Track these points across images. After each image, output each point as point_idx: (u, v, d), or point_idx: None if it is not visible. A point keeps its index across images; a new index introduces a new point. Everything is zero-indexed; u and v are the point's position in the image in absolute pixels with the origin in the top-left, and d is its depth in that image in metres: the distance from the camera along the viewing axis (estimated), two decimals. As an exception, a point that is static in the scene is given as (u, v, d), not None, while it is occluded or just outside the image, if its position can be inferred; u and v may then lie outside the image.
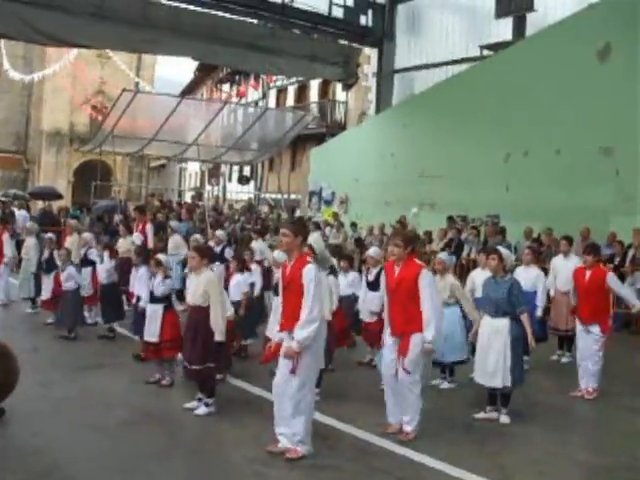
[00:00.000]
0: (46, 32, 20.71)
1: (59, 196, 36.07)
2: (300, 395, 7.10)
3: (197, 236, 14.82)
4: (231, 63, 29.15)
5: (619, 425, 8.98)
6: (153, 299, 9.85)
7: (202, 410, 8.47)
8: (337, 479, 6.79)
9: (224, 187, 45.73)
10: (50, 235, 14.98)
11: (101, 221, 23.15)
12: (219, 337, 8.36)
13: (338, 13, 29.03)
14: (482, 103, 22.55)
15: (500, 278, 8.77)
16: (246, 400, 9.08)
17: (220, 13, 25.00)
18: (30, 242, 15.57)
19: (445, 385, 10.23)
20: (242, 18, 25.85)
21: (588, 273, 10.18)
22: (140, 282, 11.15)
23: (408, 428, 7.85)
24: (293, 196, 37.21)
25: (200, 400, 8.55)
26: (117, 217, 24.08)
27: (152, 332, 9.64)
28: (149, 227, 16.18)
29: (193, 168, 56.62)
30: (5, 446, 7.26)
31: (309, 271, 7.08)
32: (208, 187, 47.37)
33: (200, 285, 8.52)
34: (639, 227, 15.88)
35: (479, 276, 10.28)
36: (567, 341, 12.43)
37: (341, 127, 36.38)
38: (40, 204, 32.41)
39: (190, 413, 8.51)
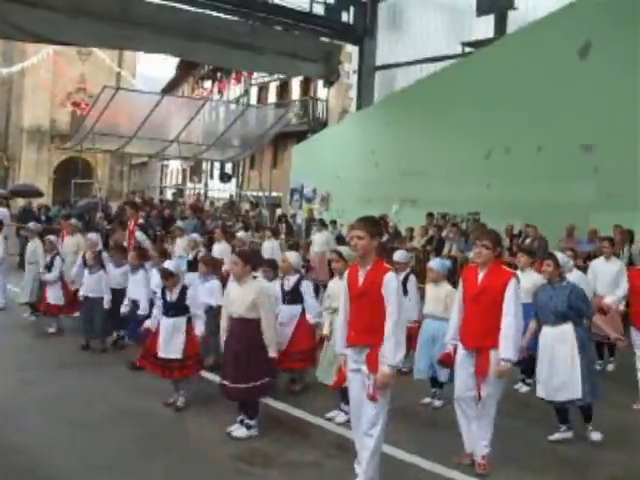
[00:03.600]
0: (25, 29, 20.61)
1: (40, 194, 35.95)
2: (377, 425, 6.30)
3: (195, 235, 14.30)
4: (212, 60, 29.20)
5: (602, 420, 8.95)
6: (170, 313, 8.75)
7: (242, 432, 7.72)
8: (319, 476, 6.79)
9: (206, 184, 45.67)
10: (51, 237, 13.94)
11: (82, 219, 23.06)
12: (273, 352, 7.70)
13: (319, 10, 29.08)
14: (463, 100, 22.63)
15: (557, 284, 8.12)
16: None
17: (201, 10, 24.96)
18: (35, 245, 14.21)
19: (437, 403, 9.37)
20: (223, 15, 25.84)
21: None
22: (138, 286, 10.70)
23: (481, 456, 7.06)
24: (275, 193, 37.21)
25: (242, 422, 7.81)
26: (98, 215, 24.05)
27: (174, 348, 8.62)
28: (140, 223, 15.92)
29: (175, 166, 56.61)
30: (-14, 445, 7.22)
31: (392, 279, 6.24)
32: (190, 184, 47.32)
33: (248, 296, 7.64)
34: (619, 224, 15.95)
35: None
36: (609, 347, 11.72)
37: (322, 124, 36.39)
38: (21, 202, 32.28)
39: (170, 410, 8.53)
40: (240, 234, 14.61)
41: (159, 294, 9.09)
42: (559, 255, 8.48)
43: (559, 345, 7.88)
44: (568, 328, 7.88)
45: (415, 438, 7.79)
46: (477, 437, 7.08)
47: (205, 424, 8.12)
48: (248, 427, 7.74)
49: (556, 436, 8.11)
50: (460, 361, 7.14)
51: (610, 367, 11.75)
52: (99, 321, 11.62)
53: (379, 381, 6.14)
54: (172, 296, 8.75)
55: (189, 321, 8.74)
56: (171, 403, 8.73)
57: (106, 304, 11.58)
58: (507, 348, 6.74)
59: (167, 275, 8.80)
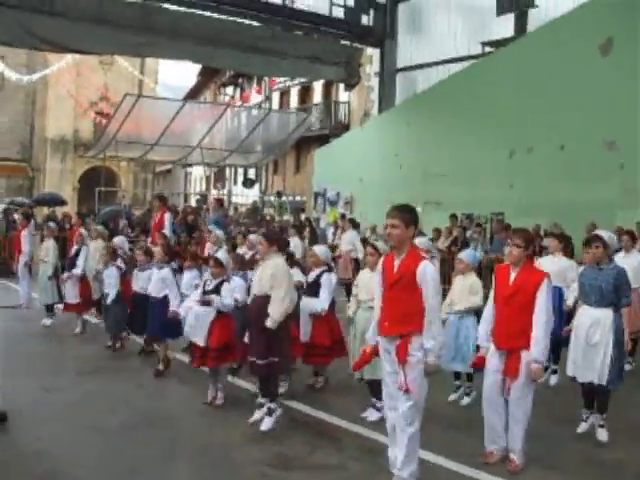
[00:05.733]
0: (46, 38, 20.63)
1: (63, 202, 36.14)
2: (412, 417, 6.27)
3: (219, 232, 14.22)
4: (232, 66, 29.05)
5: (625, 419, 8.80)
6: (202, 302, 8.89)
7: (269, 422, 7.88)
8: (343, 478, 6.70)
9: (229, 190, 45.73)
10: (82, 230, 14.49)
11: (106, 227, 23.10)
12: (270, 323, 7.71)
13: (339, 14, 29.01)
14: (485, 100, 22.49)
15: (604, 265, 7.92)
16: (251, 400, 8.88)
17: (220, 16, 24.96)
18: (49, 244, 14.55)
19: (465, 401, 9.31)
20: (242, 20, 25.83)
21: None
22: (164, 283, 10.29)
23: (515, 456, 6.99)
24: (298, 198, 37.23)
25: (261, 406, 8.04)
26: (122, 222, 24.09)
27: (198, 333, 8.79)
28: (167, 217, 15.75)
29: (198, 172, 56.73)
30: (7, 450, 7.21)
31: (427, 267, 6.18)
32: (214, 191, 47.38)
33: (268, 271, 7.91)
34: (643, 220, 15.75)
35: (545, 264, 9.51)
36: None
37: (344, 128, 36.39)
38: (45, 211, 32.48)
39: (194, 414, 8.48)
40: (251, 237, 14.41)
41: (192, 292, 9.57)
42: (605, 235, 8.15)
43: (596, 327, 7.79)
44: (608, 313, 7.78)
45: (440, 438, 7.66)
46: (513, 436, 6.99)
47: (229, 428, 8.06)
48: (270, 412, 7.90)
49: (583, 426, 8.11)
50: (491, 361, 7.09)
51: (627, 367, 11.04)
52: (111, 316, 11.91)
53: (425, 372, 6.16)
54: (210, 286, 8.93)
55: (220, 315, 8.82)
56: (210, 402, 8.88)
57: (110, 299, 11.84)
58: (538, 350, 6.72)
59: (217, 264, 8.99)
